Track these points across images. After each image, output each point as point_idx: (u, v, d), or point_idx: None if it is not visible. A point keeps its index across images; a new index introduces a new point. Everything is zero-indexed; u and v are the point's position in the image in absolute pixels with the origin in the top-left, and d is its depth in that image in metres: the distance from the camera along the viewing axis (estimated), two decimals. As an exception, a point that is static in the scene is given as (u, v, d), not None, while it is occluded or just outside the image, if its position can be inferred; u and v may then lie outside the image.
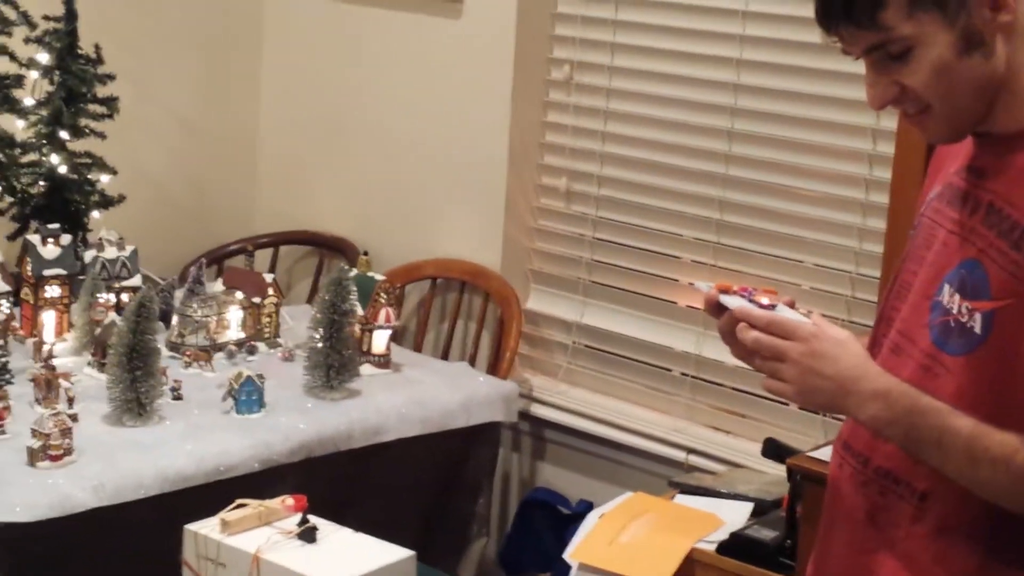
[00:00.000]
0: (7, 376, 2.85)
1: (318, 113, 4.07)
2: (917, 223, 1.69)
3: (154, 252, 3.67)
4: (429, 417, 3.09)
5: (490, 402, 3.24)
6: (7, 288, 3.16)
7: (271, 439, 2.79)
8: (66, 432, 2.57)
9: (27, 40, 3.40)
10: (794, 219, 3.26)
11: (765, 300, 1.61)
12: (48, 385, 2.79)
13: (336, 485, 2.89)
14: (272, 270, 3.95)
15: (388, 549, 2.05)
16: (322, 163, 4.09)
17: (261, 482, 2.67)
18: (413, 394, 3.13)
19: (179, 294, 3.33)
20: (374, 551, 2.04)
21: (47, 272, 3.17)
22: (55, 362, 2.89)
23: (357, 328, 3.14)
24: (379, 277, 3.30)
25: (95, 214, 3.52)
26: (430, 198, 3.84)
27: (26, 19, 3.38)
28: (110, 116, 3.49)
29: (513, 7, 3.57)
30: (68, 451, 2.57)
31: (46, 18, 3.42)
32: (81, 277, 3.21)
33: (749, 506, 2.84)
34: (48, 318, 3.17)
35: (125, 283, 3.28)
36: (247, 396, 2.87)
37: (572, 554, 2.73)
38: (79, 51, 3.44)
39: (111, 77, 3.48)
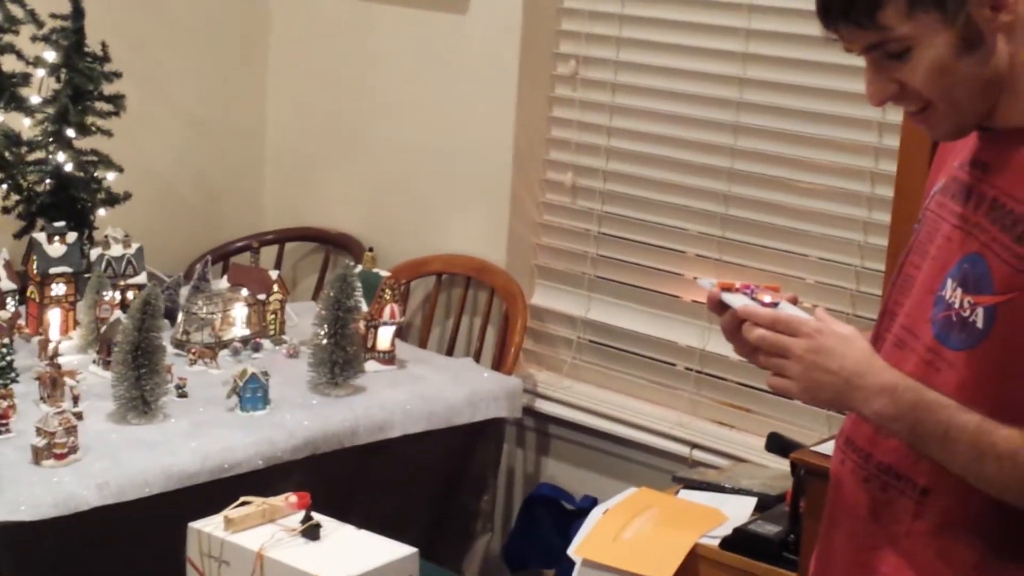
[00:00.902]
0: (12, 374, 2.86)
1: (324, 110, 4.07)
2: (921, 217, 1.68)
3: (160, 249, 3.67)
4: (434, 413, 3.09)
5: (495, 398, 3.24)
6: (13, 286, 3.17)
7: (276, 436, 2.79)
8: (71, 430, 2.57)
9: (34, 38, 3.40)
10: (799, 213, 3.26)
11: (767, 298, 1.60)
12: (53, 383, 2.80)
13: (341, 482, 2.89)
14: (277, 267, 3.96)
15: (392, 546, 2.05)
16: (327, 160, 4.09)
17: (266, 479, 2.67)
18: (418, 390, 3.13)
19: (184, 291, 3.33)
20: (378, 548, 2.04)
21: (53, 270, 3.18)
22: (60, 360, 2.90)
23: (362, 324, 3.15)
24: (384, 273, 3.31)
25: (101, 212, 3.52)
26: (435, 194, 3.84)
27: (33, 17, 3.38)
28: (116, 114, 3.49)
29: (519, 2, 3.57)
30: (73, 449, 2.57)
31: (53, 16, 3.42)
32: (87, 275, 3.21)
33: (753, 501, 2.84)
34: (53, 316, 3.18)
35: (131, 281, 3.29)
36: (252, 393, 2.87)
37: (576, 550, 2.73)
38: (86, 49, 3.44)
39: (118, 75, 3.48)
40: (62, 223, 3.27)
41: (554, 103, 3.67)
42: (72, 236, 3.24)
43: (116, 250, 3.31)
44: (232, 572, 2.01)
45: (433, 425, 3.09)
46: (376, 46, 3.92)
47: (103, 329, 3.02)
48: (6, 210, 3.50)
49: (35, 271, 3.18)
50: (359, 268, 3.23)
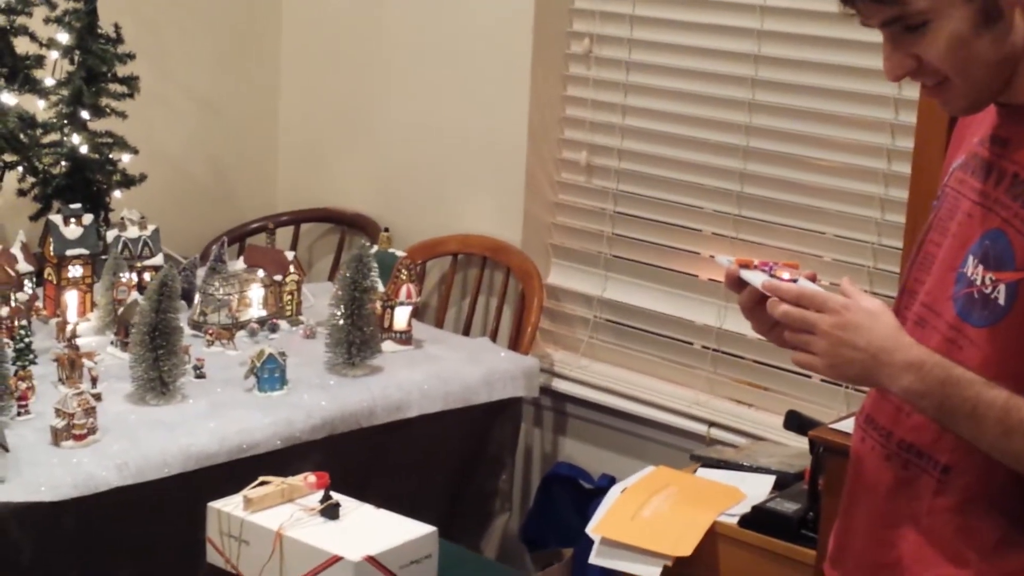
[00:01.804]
0: (31, 356, 2.87)
1: (338, 90, 4.07)
2: (940, 193, 1.67)
3: (176, 231, 3.68)
4: (451, 393, 3.10)
5: (512, 377, 3.24)
6: (30, 268, 3.17)
7: (293, 416, 2.80)
8: (90, 411, 2.58)
9: (47, 20, 3.40)
10: (815, 190, 3.24)
11: (786, 275, 1.59)
12: (71, 365, 2.80)
13: (358, 462, 2.90)
14: (293, 248, 3.96)
15: (411, 525, 2.06)
16: (342, 140, 4.09)
17: (284, 459, 2.68)
18: (434, 370, 3.13)
19: (201, 272, 3.33)
20: (396, 527, 2.04)
21: (69, 252, 3.18)
22: (78, 342, 2.90)
23: (378, 305, 3.15)
24: (400, 253, 3.30)
25: (117, 194, 3.53)
26: (450, 174, 3.83)
27: (46, -1, 3.39)
28: (131, 95, 3.49)
29: (532, -19, 3.56)
30: (92, 430, 2.58)
31: (66, -2, 3.42)
32: (103, 257, 3.21)
33: (771, 479, 2.84)
34: (71, 298, 3.18)
35: (147, 262, 3.29)
36: (269, 374, 2.87)
37: (594, 528, 2.73)
38: (99, 31, 3.44)
39: (131, 56, 3.48)
40: (78, 205, 3.28)
41: (568, 82, 3.66)
42: (88, 218, 3.25)
43: (132, 232, 3.31)
44: (252, 551, 2.01)
45: (450, 405, 3.09)
46: (389, 26, 3.91)
47: (120, 311, 3.03)
48: (22, 192, 3.50)
49: (52, 253, 3.18)
50: (375, 248, 3.23)
